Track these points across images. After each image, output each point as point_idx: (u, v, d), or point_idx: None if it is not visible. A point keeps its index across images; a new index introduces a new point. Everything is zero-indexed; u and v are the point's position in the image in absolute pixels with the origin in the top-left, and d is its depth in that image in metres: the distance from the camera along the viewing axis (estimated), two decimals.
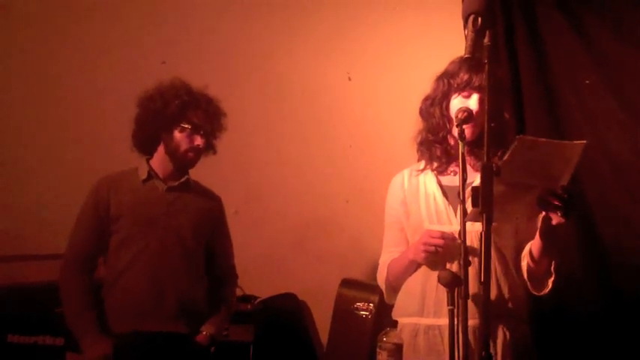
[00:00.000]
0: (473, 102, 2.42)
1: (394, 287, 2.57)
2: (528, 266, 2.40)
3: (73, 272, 2.92)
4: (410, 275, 2.49)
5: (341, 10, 4.43)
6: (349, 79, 4.39)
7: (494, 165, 1.95)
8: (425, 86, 2.63)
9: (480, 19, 2.01)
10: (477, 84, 2.42)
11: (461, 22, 3.64)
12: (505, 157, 2.03)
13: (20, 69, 4.12)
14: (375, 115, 4.35)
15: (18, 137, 4.08)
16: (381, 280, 2.62)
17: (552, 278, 2.38)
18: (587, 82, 3.61)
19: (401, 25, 4.35)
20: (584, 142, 2.12)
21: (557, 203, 2.14)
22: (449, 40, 3.66)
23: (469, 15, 2.03)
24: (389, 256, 2.58)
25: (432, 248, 2.31)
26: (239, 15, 4.39)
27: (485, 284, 1.87)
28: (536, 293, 2.45)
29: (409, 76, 4.13)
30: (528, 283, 2.43)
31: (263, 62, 4.34)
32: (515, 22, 3.81)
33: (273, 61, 4.34)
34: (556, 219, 2.18)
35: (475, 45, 2.03)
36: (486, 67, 2.03)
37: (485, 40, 2.02)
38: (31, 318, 3.41)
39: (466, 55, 2.06)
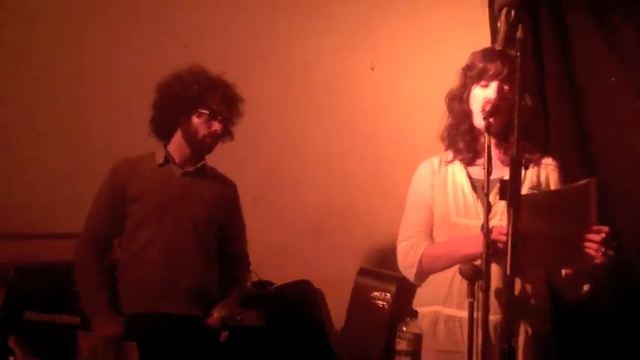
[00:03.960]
0: (491, 91, 2.41)
1: (427, 273, 2.51)
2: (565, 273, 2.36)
3: (88, 252, 2.98)
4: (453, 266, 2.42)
5: (367, 1, 4.41)
6: (372, 69, 4.37)
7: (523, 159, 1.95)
8: (448, 80, 2.61)
9: (513, 12, 1.99)
10: (492, 72, 2.41)
11: (487, 18, 3.66)
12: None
13: (40, 52, 4.17)
14: (397, 107, 4.32)
15: (37, 115, 4.14)
16: (407, 262, 2.53)
17: (589, 285, 2.35)
18: (613, 79, 3.56)
19: (427, 19, 4.29)
20: (592, 179, 2.15)
21: (597, 247, 2.15)
22: (474, 36, 3.61)
23: (502, 7, 2.02)
24: (417, 238, 2.52)
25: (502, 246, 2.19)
26: (264, 2, 4.39)
27: (509, 278, 1.89)
28: (571, 299, 2.42)
29: (432, 69, 4.08)
30: (564, 289, 2.41)
31: (286, 49, 4.32)
32: (541, 17, 3.76)
33: (296, 49, 4.32)
34: (598, 259, 2.18)
35: (508, 38, 2.03)
36: (519, 60, 2.01)
37: (518, 33, 2.01)
38: (49, 296, 3.45)
39: (498, 48, 2.04)
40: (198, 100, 3.00)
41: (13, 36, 4.17)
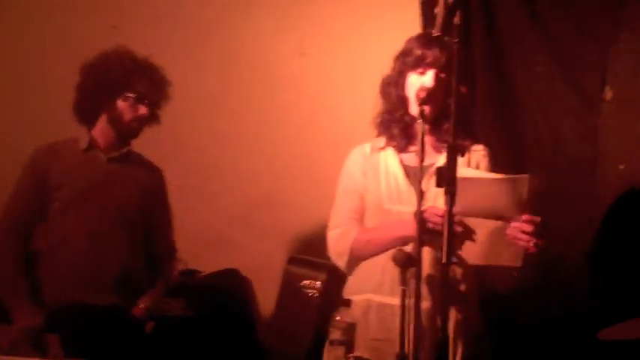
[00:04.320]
0: (428, 79, 2.41)
1: (359, 260, 2.49)
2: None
3: (6, 238, 2.89)
4: (385, 252, 2.39)
5: None
6: (302, 54, 4.34)
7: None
8: (379, 64, 2.59)
9: None
10: (429, 60, 2.41)
11: (417, 1, 3.66)
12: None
13: None
14: (329, 92, 4.29)
15: None
16: (338, 250, 2.51)
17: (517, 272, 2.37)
18: (539, 68, 3.62)
19: (357, 2, 4.30)
20: (527, 175, 2.20)
21: (529, 238, 2.19)
22: (404, 19, 3.64)
23: None
24: (348, 225, 2.50)
25: (439, 227, 2.16)
26: None
27: (444, 266, 1.90)
28: (500, 289, 2.46)
29: (363, 53, 4.07)
30: (494, 279, 2.43)
31: (215, 35, 4.24)
32: (472, 3, 3.78)
33: (225, 35, 4.25)
34: (530, 250, 2.22)
35: (446, 23, 2.04)
36: (456, 46, 2.03)
37: (456, 19, 2.02)
38: None
39: (436, 34, 2.05)
40: (123, 82, 2.93)
41: None
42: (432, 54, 2.41)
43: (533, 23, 3.64)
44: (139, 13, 4.16)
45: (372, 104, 2.61)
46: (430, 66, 2.42)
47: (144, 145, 3.11)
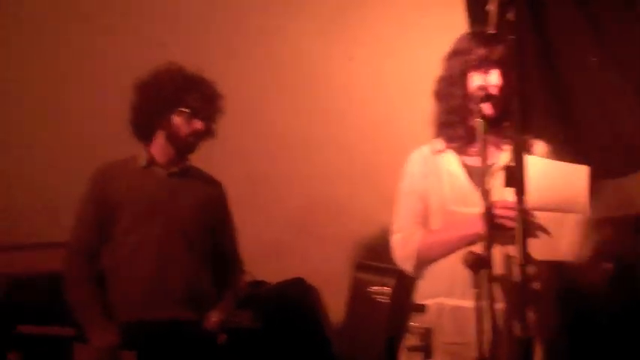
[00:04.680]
0: (494, 78, 2.37)
1: (426, 263, 2.45)
2: None
3: (76, 262, 2.91)
4: (454, 252, 2.36)
5: None
6: (350, 59, 4.32)
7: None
8: (428, 66, 2.56)
9: None
10: (495, 58, 2.37)
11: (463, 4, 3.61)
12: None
13: (19, 58, 4.10)
14: (379, 95, 4.28)
15: (19, 125, 4.06)
16: (404, 254, 2.47)
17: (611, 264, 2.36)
18: (594, 59, 3.52)
19: (403, 6, 4.27)
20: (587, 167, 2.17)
21: None
22: (450, 21, 3.61)
23: None
24: (412, 228, 2.47)
25: (509, 221, 2.15)
26: None
27: (521, 266, 1.85)
28: (588, 284, 2.46)
29: (412, 56, 4.07)
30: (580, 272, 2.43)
31: (264, 45, 4.27)
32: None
33: (273, 42, 4.28)
34: None
35: (500, 20, 2.00)
36: (513, 42, 1.97)
37: (510, 15, 1.97)
38: (41, 307, 3.41)
39: (491, 31, 2.01)
40: (176, 98, 2.94)
41: None
42: (496, 52, 2.36)
43: (582, 12, 3.56)
44: (187, 28, 4.22)
45: (423, 106, 2.58)
46: (495, 64, 2.37)
47: (199, 158, 3.11)
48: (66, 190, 3.46)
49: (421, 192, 2.50)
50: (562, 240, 2.23)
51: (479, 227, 2.11)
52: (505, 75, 2.36)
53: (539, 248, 2.20)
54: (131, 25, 4.19)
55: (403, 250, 2.48)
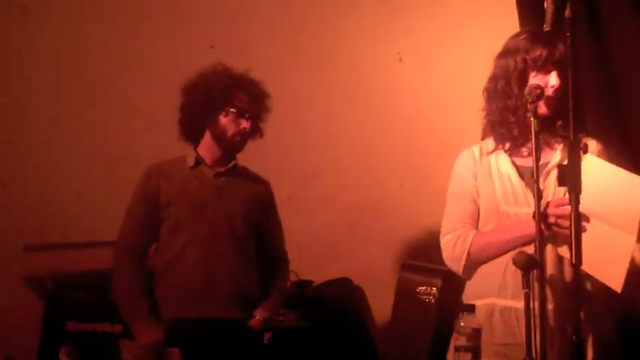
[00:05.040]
0: (553, 79, 2.33)
1: (476, 264, 2.42)
2: None
3: (125, 260, 2.94)
4: (507, 253, 2.33)
5: None
6: (400, 59, 4.30)
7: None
8: (478, 67, 2.53)
9: None
10: (556, 58, 2.32)
11: (513, 4, 3.56)
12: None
13: (58, 52, 4.15)
14: (428, 95, 4.27)
15: (65, 123, 4.12)
16: (455, 255, 2.43)
17: None
18: None
19: (452, 5, 4.24)
20: None
21: None
22: (501, 21, 3.53)
23: None
24: (463, 229, 2.43)
25: (563, 221, 2.12)
26: None
27: (575, 267, 1.84)
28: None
29: (460, 54, 4.06)
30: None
31: (313, 44, 4.29)
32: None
33: (323, 42, 4.29)
34: None
35: (556, 18, 1.96)
36: (569, 40, 1.96)
37: (567, 12, 1.93)
38: (89, 305, 3.45)
39: (547, 29, 1.97)
40: (223, 98, 2.97)
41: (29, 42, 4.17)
42: (558, 52, 2.32)
43: (636, 9, 3.47)
44: (236, 30, 4.24)
45: (472, 107, 2.54)
46: (556, 64, 2.33)
47: (248, 158, 3.13)
48: (114, 189, 3.52)
49: (472, 193, 2.46)
50: (611, 262, 2.14)
51: (532, 229, 2.06)
52: (561, 75, 2.31)
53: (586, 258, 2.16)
54: (180, 28, 4.22)
55: (453, 250, 2.44)
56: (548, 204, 2.16)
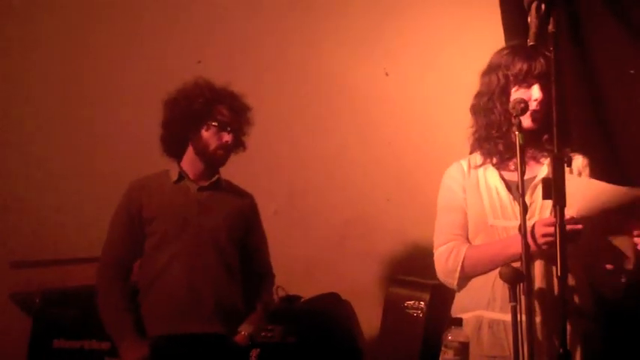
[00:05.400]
0: (535, 92, 2.34)
1: (469, 276, 2.41)
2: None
3: (109, 276, 2.92)
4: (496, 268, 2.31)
5: (377, 5, 4.36)
6: (386, 74, 4.31)
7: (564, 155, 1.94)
8: (465, 81, 2.55)
9: (543, 5, 1.94)
10: (537, 72, 2.34)
11: (499, 17, 3.58)
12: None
13: (46, 70, 4.13)
14: (414, 111, 4.28)
15: (48, 141, 4.10)
16: (448, 267, 2.42)
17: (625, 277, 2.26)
18: (632, 72, 3.45)
19: (438, 20, 4.27)
20: None
21: None
22: (486, 36, 3.58)
23: (532, 1, 1.97)
24: (455, 242, 2.43)
25: (551, 239, 2.12)
26: (274, 10, 4.35)
27: (561, 280, 1.84)
28: (609, 295, 2.33)
29: (447, 71, 4.08)
30: (602, 285, 2.34)
31: (299, 59, 4.29)
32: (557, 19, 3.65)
33: (309, 58, 4.30)
34: None
35: (539, 32, 1.98)
36: (552, 54, 1.98)
37: (550, 26, 1.95)
38: (77, 322, 3.40)
39: (531, 43, 1.99)
40: (205, 112, 2.97)
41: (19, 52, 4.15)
42: (539, 66, 2.34)
43: (620, 23, 3.49)
44: (222, 46, 4.24)
45: (458, 122, 2.56)
46: (536, 79, 2.35)
47: (235, 173, 3.12)
48: (98, 206, 3.50)
49: (461, 205, 2.47)
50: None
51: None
52: (545, 88, 2.32)
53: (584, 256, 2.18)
54: (167, 44, 4.23)
55: (447, 263, 2.43)
56: (534, 225, 2.18)
